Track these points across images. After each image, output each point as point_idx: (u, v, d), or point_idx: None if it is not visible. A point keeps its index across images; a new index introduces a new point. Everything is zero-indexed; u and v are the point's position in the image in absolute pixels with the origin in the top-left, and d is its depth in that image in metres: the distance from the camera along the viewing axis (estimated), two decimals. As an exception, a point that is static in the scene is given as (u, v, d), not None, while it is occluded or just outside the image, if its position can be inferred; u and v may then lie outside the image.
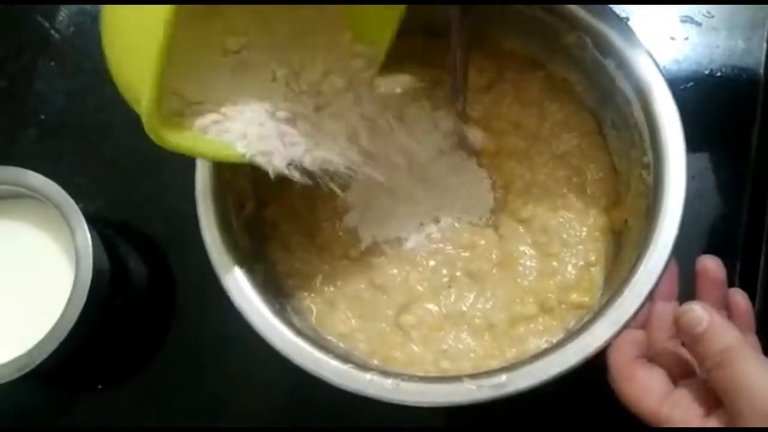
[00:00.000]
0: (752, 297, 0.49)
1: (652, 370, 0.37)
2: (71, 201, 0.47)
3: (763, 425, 0.31)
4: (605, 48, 0.43)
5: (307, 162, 0.39)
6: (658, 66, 0.42)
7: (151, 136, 0.34)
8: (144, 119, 0.33)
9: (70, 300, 0.45)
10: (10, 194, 0.49)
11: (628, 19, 0.55)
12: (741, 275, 0.51)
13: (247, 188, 0.47)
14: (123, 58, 0.34)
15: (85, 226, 0.47)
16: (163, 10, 0.30)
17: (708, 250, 0.50)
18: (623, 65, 0.43)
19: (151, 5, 0.31)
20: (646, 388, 0.36)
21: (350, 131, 0.42)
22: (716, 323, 0.34)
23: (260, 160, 0.38)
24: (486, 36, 0.49)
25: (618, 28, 0.43)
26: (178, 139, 0.36)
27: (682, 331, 0.35)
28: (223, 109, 0.38)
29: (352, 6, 0.43)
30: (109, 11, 0.34)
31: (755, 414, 0.31)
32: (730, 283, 0.46)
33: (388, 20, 0.43)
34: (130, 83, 0.34)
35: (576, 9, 0.44)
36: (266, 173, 0.43)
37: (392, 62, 0.49)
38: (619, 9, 0.55)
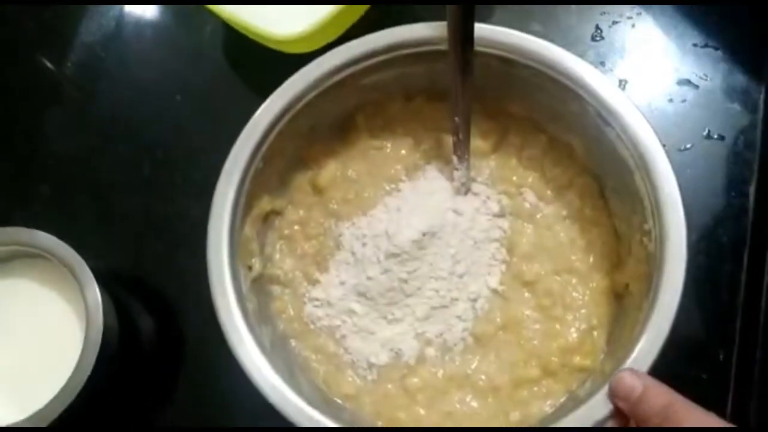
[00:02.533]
0: (753, 353, 0.50)
1: None
2: (81, 261, 0.48)
3: None
4: (606, 117, 0.44)
5: None
6: (658, 136, 0.43)
7: None
8: None
9: (80, 360, 0.46)
10: (20, 254, 0.50)
11: (626, 81, 0.57)
12: (740, 333, 0.52)
13: (255, 249, 0.48)
14: None
15: (96, 286, 0.47)
16: None
17: (706, 310, 0.51)
18: (624, 135, 0.44)
19: None
20: None
21: None
22: (650, 385, 0.36)
23: None
24: (490, 99, 0.50)
25: (618, 97, 0.44)
26: None
27: (620, 399, 0.37)
28: None
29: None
30: None
31: None
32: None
33: None
34: None
35: (579, 78, 0.45)
36: (274, 233, 0.48)
37: (396, 125, 0.50)
38: (618, 71, 0.57)
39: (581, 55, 0.46)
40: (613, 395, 0.38)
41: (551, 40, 0.46)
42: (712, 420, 0.34)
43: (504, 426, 0.44)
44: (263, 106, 0.45)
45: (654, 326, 0.39)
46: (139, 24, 0.63)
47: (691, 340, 0.51)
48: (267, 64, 0.52)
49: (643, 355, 0.39)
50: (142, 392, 0.54)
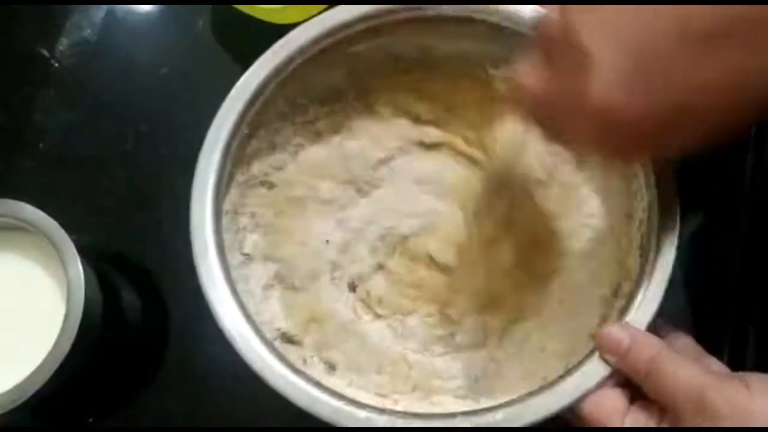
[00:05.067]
0: (745, 327, 0.50)
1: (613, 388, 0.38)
2: (64, 234, 0.47)
3: (696, 414, 0.32)
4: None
5: None
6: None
7: None
8: None
9: (61, 333, 0.45)
10: (3, 226, 0.49)
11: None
12: (733, 308, 0.51)
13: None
14: None
15: (78, 259, 0.46)
16: None
17: (699, 286, 0.51)
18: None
19: None
20: (600, 401, 0.37)
21: None
22: (636, 337, 0.36)
23: None
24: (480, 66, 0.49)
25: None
26: None
27: (608, 353, 0.37)
28: None
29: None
30: None
31: (688, 405, 0.32)
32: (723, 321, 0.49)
33: None
34: None
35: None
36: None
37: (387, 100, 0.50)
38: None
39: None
40: (601, 350, 0.37)
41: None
42: (696, 371, 0.33)
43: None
44: (249, 71, 0.45)
45: (648, 297, 0.39)
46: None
47: (682, 311, 0.50)
48: (254, 37, 0.51)
49: (639, 317, 0.38)
50: (126, 367, 0.53)
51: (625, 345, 0.36)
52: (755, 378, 0.33)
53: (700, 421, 0.32)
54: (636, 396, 0.36)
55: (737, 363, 0.48)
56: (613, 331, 0.37)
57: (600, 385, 0.37)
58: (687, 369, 0.34)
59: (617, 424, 0.35)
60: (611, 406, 0.36)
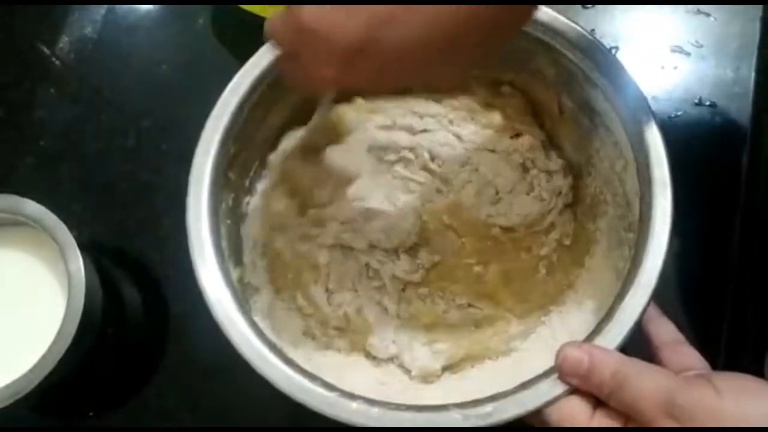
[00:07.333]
0: (743, 330, 0.50)
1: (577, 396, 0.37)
2: (65, 229, 0.47)
3: (665, 417, 0.32)
4: (594, 80, 0.44)
5: None
6: (646, 100, 0.42)
7: None
8: None
9: (61, 327, 0.45)
10: (5, 222, 0.50)
11: (617, 48, 0.56)
12: (733, 301, 0.51)
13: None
14: None
15: (78, 254, 0.47)
16: None
17: (695, 280, 0.51)
18: (611, 97, 0.43)
19: None
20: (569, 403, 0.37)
21: None
22: (596, 356, 0.35)
23: None
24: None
25: (606, 60, 0.44)
26: None
27: (570, 376, 0.36)
28: None
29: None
30: None
31: (656, 410, 0.32)
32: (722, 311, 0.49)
33: None
34: None
35: (565, 41, 0.45)
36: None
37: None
38: (609, 39, 0.56)
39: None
40: (562, 374, 0.36)
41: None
42: (661, 378, 0.33)
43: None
44: (245, 67, 0.45)
45: (637, 290, 0.38)
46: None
47: (677, 313, 0.50)
48: (253, 35, 0.51)
49: (627, 315, 0.38)
50: (127, 359, 0.53)
51: (585, 365, 0.35)
52: (722, 378, 0.32)
53: (671, 423, 0.32)
54: (600, 404, 0.36)
55: (735, 350, 0.48)
56: (571, 352, 0.36)
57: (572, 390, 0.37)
58: (652, 377, 0.33)
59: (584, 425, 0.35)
60: (577, 411, 0.36)
